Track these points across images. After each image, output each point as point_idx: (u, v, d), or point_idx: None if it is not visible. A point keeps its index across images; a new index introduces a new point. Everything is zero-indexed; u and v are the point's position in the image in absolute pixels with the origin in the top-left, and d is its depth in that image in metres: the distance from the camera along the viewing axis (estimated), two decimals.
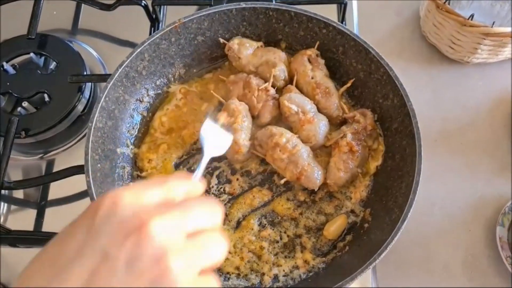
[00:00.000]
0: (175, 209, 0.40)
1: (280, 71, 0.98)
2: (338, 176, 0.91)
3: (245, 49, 1.00)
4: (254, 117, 0.97)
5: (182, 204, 0.42)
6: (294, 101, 0.95)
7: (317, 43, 1.00)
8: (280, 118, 0.98)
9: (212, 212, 0.44)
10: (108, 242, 0.37)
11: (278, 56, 0.99)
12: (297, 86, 0.99)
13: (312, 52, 0.99)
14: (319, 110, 0.97)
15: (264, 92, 0.96)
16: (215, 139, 0.81)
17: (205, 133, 0.81)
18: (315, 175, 0.89)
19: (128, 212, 0.38)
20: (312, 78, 0.98)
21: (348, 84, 1.00)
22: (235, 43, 1.00)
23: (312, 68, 0.98)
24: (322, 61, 1.00)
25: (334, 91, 0.98)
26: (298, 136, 0.93)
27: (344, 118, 0.97)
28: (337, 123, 0.98)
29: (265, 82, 0.97)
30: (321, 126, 0.94)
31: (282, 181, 0.92)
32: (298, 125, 0.94)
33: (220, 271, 0.88)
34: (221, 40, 1.01)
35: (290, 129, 0.95)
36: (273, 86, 0.98)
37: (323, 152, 0.97)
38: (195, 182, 0.48)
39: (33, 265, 0.39)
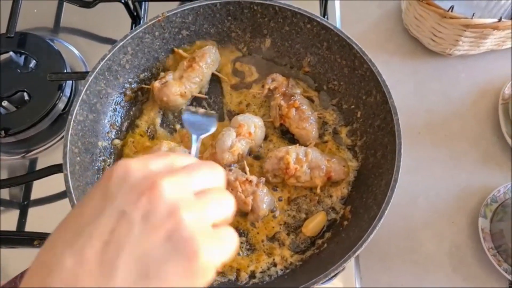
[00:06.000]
0: (181, 170, 0.43)
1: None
2: (310, 133, 0.93)
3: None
4: (247, 213, 0.89)
5: (186, 167, 0.45)
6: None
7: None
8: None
9: (215, 172, 0.47)
10: (123, 202, 0.39)
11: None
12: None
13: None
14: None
15: (248, 183, 0.87)
16: (199, 122, 0.84)
17: (188, 119, 0.84)
18: (339, 166, 0.90)
19: (139, 176, 0.41)
20: (186, 92, 0.97)
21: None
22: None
23: (180, 90, 0.96)
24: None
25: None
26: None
27: (264, 100, 1.01)
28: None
29: (242, 171, 0.91)
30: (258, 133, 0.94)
31: (318, 191, 0.90)
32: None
33: None
34: None
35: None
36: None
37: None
38: (193, 158, 0.51)
39: (56, 231, 0.41)
